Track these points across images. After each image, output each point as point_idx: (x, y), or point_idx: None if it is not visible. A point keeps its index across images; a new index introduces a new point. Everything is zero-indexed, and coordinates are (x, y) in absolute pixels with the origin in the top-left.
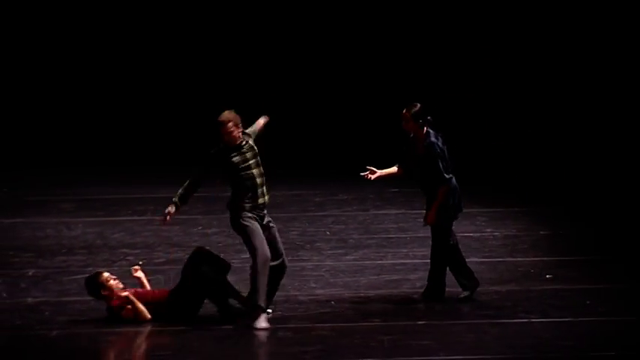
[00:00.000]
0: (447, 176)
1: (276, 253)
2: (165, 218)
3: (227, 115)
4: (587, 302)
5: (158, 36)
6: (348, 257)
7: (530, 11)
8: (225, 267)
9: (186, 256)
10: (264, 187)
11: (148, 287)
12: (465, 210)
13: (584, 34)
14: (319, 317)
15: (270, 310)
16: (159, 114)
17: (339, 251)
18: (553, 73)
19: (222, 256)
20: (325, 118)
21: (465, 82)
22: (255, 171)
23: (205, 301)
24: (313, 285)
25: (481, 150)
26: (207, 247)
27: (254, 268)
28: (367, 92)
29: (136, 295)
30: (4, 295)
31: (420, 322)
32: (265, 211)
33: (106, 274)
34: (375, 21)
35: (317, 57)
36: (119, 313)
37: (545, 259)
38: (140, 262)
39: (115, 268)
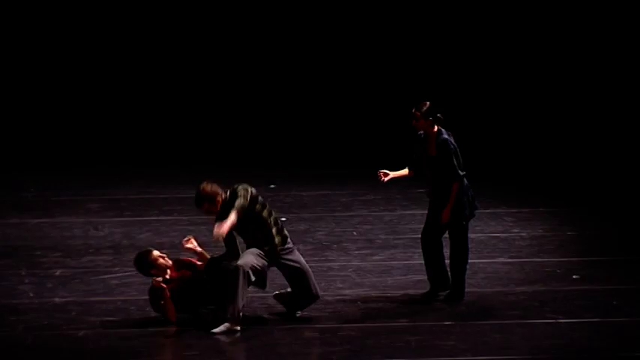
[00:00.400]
0: (460, 173)
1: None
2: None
3: (201, 197)
4: (614, 303)
5: (175, 36)
6: (374, 257)
7: (548, 8)
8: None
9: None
10: (275, 228)
11: (207, 255)
12: (491, 210)
13: (605, 30)
14: (346, 317)
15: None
16: (187, 115)
17: (366, 251)
18: (577, 72)
19: None
20: (353, 118)
21: (486, 82)
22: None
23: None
24: (340, 285)
25: (508, 150)
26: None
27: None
28: (393, 92)
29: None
30: (32, 294)
31: (446, 323)
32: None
33: (156, 253)
34: (394, 22)
35: (341, 56)
36: (157, 298)
37: (572, 259)
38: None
39: None
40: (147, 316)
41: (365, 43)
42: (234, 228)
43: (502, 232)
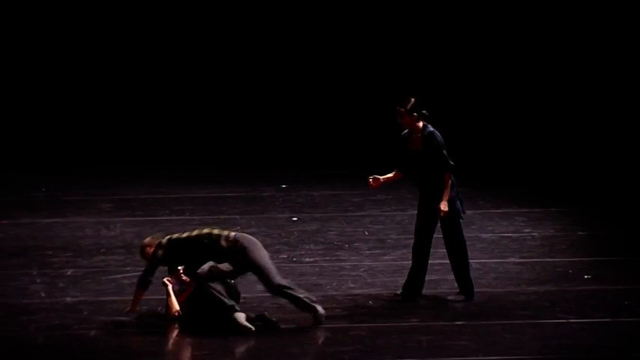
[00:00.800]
0: (452, 163)
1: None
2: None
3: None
4: (626, 302)
5: (186, 35)
6: (386, 257)
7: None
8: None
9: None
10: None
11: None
12: (503, 210)
13: (616, 27)
14: (357, 317)
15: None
16: (199, 114)
17: (378, 251)
18: (592, 72)
19: None
20: (365, 117)
21: (499, 83)
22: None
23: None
24: (351, 285)
25: (520, 151)
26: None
27: None
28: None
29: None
30: (43, 294)
31: (457, 323)
32: None
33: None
34: (403, 23)
35: (355, 56)
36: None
37: (583, 259)
38: None
39: None
40: (158, 315)
41: (379, 44)
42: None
43: (513, 232)
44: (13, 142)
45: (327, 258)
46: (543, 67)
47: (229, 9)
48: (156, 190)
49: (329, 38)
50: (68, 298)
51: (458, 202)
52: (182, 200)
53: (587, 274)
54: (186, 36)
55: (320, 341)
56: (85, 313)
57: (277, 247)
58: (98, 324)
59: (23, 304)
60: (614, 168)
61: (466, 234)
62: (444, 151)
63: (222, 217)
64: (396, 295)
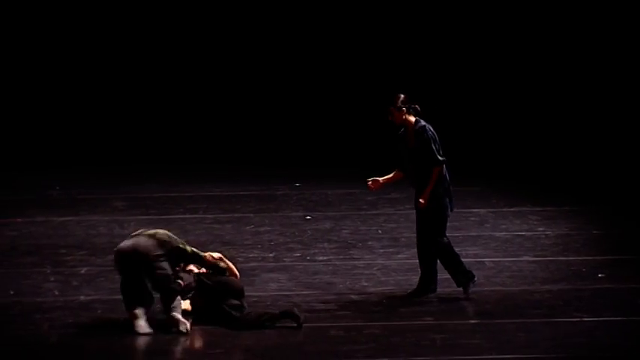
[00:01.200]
0: (440, 158)
1: None
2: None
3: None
4: None
5: (202, 34)
6: (399, 256)
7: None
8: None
9: (239, 255)
10: None
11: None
12: (517, 209)
13: (621, 25)
14: (371, 316)
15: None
16: (212, 113)
17: (391, 250)
18: (605, 71)
19: (273, 254)
20: (378, 116)
21: (513, 82)
22: None
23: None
24: (365, 283)
25: (533, 149)
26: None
27: None
28: (420, 94)
29: None
30: (57, 292)
31: (471, 321)
32: None
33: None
34: (409, 23)
35: (371, 55)
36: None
37: (597, 258)
38: None
39: None
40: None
41: (390, 44)
42: None
43: (527, 231)
44: (28, 141)
45: (341, 256)
46: (559, 65)
47: (234, 7)
48: (170, 188)
49: (343, 37)
50: (82, 297)
51: (447, 198)
52: (196, 199)
53: (600, 273)
54: (201, 34)
55: (334, 339)
56: (99, 311)
57: (291, 245)
58: (112, 322)
59: (37, 302)
60: (628, 166)
61: (480, 232)
62: (434, 146)
63: (236, 215)
64: (408, 293)
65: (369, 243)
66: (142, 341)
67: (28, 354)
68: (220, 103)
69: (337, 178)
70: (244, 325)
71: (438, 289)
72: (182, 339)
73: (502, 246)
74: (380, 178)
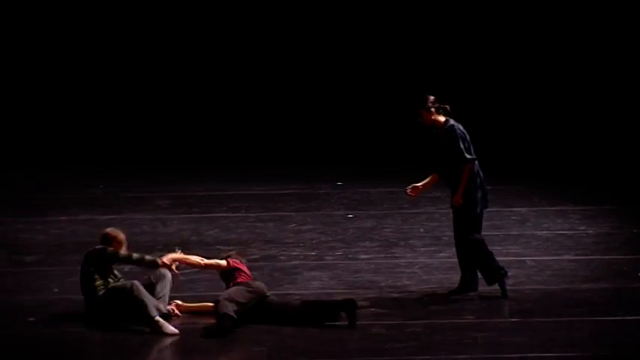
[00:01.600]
0: (468, 156)
1: None
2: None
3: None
4: None
5: (233, 34)
6: (441, 254)
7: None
8: None
9: (280, 254)
10: None
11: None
12: (558, 208)
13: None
14: (412, 314)
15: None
16: (255, 113)
17: (433, 248)
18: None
19: (315, 253)
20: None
21: (549, 83)
22: None
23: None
24: (407, 282)
25: (574, 149)
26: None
27: None
28: (457, 94)
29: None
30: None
31: (512, 320)
32: None
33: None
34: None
35: (409, 54)
36: None
37: (637, 256)
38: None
39: None
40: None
41: (428, 47)
42: None
43: (568, 230)
44: (73, 140)
45: (383, 255)
46: (599, 64)
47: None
48: (213, 187)
49: (384, 38)
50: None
51: (479, 193)
52: (238, 197)
53: None
54: (236, 34)
55: (376, 337)
56: None
57: (333, 244)
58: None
59: (81, 300)
60: None
61: (521, 231)
62: (462, 144)
63: (278, 213)
64: (449, 291)
65: (411, 241)
66: (184, 338)
67: (73, 350)
68: (265, 103)
69: (379, 176)
70: (291, 317)
71: (479, 288)
72: (226, 338)
73: (543, 245)
74: (419, 184)
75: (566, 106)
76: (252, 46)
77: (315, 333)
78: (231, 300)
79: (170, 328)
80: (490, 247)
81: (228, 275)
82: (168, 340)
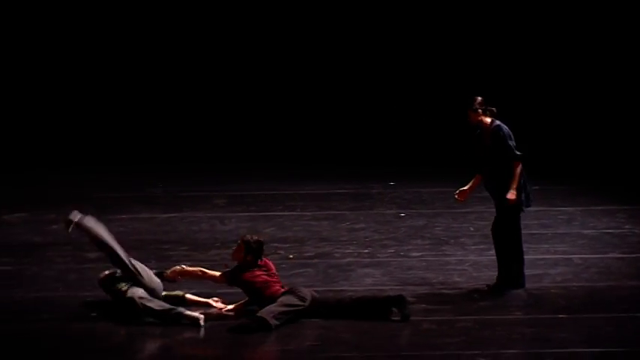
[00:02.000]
0: (518, 153)
1: None
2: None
3: None
4: None
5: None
6: (490, 252)
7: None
8: None
9: (335, 251)
10: None
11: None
12: (604, 207)
13: None
14: (463, 309)
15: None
16: (310, 113)
17: (482, 246)
18: None
19: (368, 250)
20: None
21: (594, 85)
22: None
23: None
24: (457, 279)
25: (619, 149)
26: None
27: None
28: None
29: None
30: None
31: (560, 316)
32: None
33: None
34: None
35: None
36: None
37: None
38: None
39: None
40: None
41: (476, 48)
42: None
43: (614, 228)
44: (134, 141)
45: (434, 252)
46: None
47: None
48: (269, 186)
49: (433, 40)
50: (184, 290)
51: (523, 193)
52: (294, 196)
53: None
54: (274, 33)
55: (427, 332)
56: None
57: (385, 242)
58: (214, 315)
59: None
60: None
61: (568, 230)
62: (510, 142)
63: (332, 212)
64: (487, 286)
65: (461, 240)
66: (239, 331)
67: (135, 344)
68: (321, 105)
69: (430, 176)
70: (343, 312)
71: (527, 285)
72: (281, 330)
73: (590, 243)
74: (465, 188)
75: (614, 107)
76: (302, 47)
77: (367, 328)
78: (279, 304)
79: (194, 314)
80: (538, 245)
81: (258, 287)
82: (221, 335)
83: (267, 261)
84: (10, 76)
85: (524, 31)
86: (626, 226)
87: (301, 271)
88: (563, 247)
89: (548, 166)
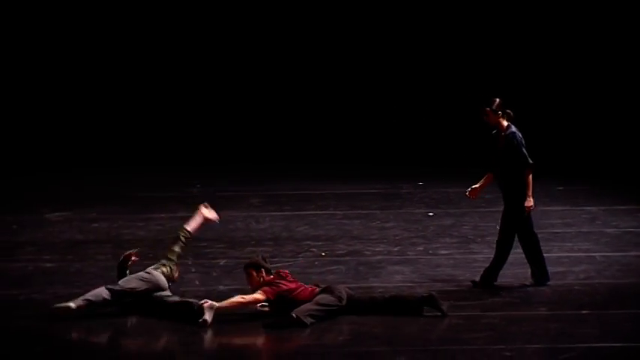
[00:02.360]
0: (530, 161)
1: None
2: None
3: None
4: None
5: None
6: (516, 250)
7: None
8: None
9: (366, 249)
10: None
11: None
12: (626, 207)
13: None
14: (489, 306)
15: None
16: (342, 115)
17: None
18: None
19: (397, 248)
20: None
21: (610, 86)
22: None
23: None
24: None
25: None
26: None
27: None
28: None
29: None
30: (197, 282)
31: (583, 312)
32: None
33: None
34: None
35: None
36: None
37: None
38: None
39: (299, 259)
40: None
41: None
42: None
43: (636, 227)
44: (173, 142)
45: (461, 250)
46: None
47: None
48: (302, 186)
49: (461, 44)
50: (221, 287)
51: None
52: (326, 196)
53: None
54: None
55: (454, 327)
56: None
57: (414, 240)
58: (249, 310)
59: (180, 292)
60: None
61: (591, 229)
62: (524, 150)
63: (363, 211)
64: (472, 282)
65: (488, 238)
66: (276, 330)
67: (180, 337)
68: (354, 108)
69: (457, 177)
70: (375, 310)
71: (552, 282)
72: (310, 328)
73: (612, 241)
74: (476, 185)
75: (636, 108)
76: (336, 52)
77: (398, 323)
78: (314, 303)
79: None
80: (562, 244)
81: (282, 299)
82: (260, 330)
83: (279, 271)
84: (54, 81)
85: (548, 33)
86: None
87: (333, 268)
88: (587, 245)
89: (572, 166)
